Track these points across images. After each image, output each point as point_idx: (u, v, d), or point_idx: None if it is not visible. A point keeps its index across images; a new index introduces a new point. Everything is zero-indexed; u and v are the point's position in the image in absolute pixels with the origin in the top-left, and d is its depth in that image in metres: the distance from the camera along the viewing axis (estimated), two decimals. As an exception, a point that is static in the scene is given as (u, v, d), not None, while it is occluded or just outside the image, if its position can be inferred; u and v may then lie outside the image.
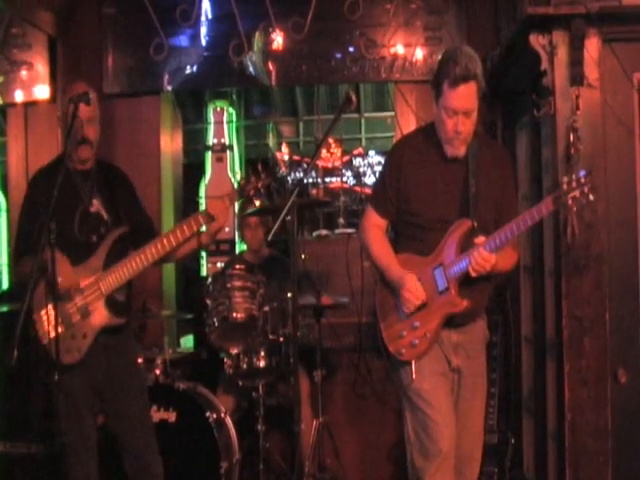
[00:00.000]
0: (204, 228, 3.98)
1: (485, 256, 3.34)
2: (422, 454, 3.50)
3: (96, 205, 3.93)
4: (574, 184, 3.24)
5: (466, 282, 3.47)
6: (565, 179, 3.27)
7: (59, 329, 3.59)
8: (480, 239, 3.38)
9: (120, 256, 3.85)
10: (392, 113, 6.14)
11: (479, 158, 3.56)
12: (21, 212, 3.96)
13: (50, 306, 3.54)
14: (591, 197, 3.25)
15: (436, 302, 3.51)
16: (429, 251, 3.55)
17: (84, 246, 3.84)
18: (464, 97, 3.39)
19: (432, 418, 3.47)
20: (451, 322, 3.54)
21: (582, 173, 3.27)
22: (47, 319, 3.63)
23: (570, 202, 3.26)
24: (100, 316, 3.79)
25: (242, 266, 5.10)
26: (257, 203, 4.00)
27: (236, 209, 6.32)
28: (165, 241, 3.84)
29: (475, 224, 3.47)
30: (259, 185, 3.92)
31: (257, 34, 5.78)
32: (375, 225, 3.75)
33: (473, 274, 3.39)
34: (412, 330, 3.55)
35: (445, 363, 3.59)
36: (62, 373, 3.45)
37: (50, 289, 3.51)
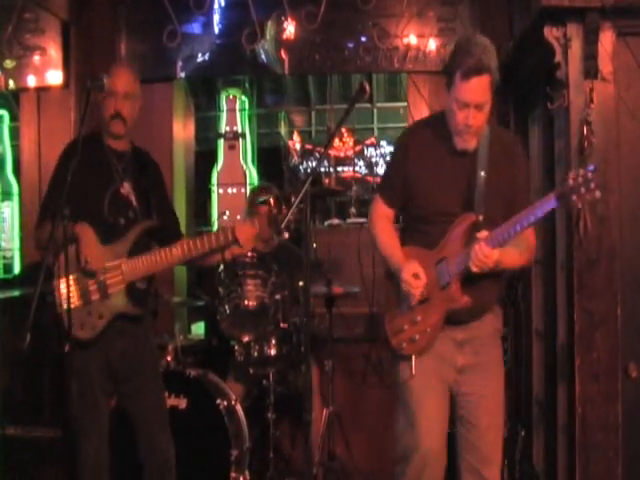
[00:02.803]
0: None
1: (486, 251, 3.21)
2: (403, 453, 3.52)
3: (127, 188, 3.90)
4: (580, 179, 2.98)
5: (472, 278, 3.35)
6: (571, 174, 3.01)
7: (77, 302, 3.64)
8: (482, 233, 3.26)
9: (144, 249, 3.83)
10: (404, 103, 6.15)
11: (490, 151, 3.43)
12: (52, 178, 3.88)
13: (71, 277, 3.50)
14: (597, 194, 2.97)
15: (438, 297, 3.42)
16: (434, 244, 3.45)
17: (111, 227, 3.80)
18: (476, 90, 3.25)
19: (419, 419, 3.44)
20: (456, 320, 3.45)
21: (590, 168, 3.02)
22: (66, 289, 3.51)
23: (575, 199, 2.99)
24: (118, 302, 3.76)
25: (254, 254, 5.10)
26: (286, 235, 3.93)
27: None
28: (192, 245, 3.81)
29: (480, 218, 3.36)
30: (291, 218, 3.73)
31: (270, 23, 5.78)
32: (383, 215, 3.67)
33: (474, 269, 3.26)
34: (413, 325, 3.48)
35: (448, 365, 3.51)
36: (75, 349, 3.42)
37: (69, 261, 3.45)
